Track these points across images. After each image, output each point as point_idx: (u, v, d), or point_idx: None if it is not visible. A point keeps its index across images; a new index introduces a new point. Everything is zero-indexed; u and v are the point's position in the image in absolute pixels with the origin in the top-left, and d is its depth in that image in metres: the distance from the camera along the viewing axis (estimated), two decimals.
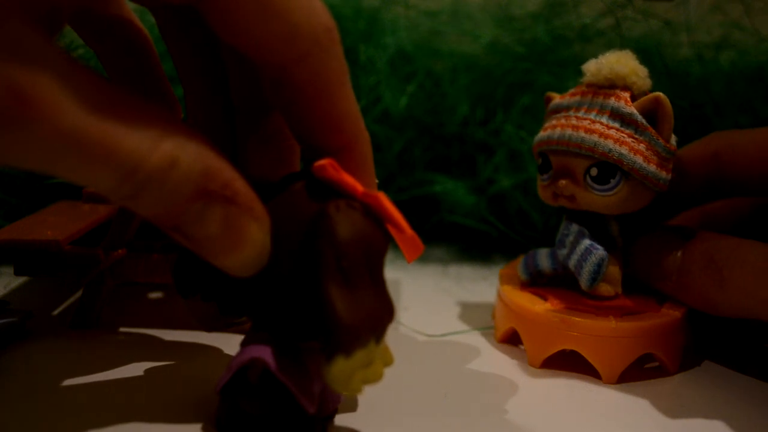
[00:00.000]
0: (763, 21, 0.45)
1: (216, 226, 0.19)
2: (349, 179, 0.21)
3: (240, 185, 0.20)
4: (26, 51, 0.16)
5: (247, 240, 0.20)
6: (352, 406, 0.26)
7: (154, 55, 0.27)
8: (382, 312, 0.21)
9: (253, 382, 0.22)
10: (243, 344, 0.23)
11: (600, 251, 0.29)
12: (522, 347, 0.31)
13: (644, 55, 0.43)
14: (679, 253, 0.29)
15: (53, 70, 0.16)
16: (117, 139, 0.17)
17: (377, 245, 0.21)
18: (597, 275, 0.29)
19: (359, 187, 0.21)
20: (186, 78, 0.26)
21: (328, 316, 0.20)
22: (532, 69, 0.46)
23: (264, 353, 0.22)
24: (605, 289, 0.30)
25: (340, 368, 0.19)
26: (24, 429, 0.24)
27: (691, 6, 0.47)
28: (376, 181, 0.24)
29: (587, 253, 0.29)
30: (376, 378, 0.21)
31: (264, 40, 0.20)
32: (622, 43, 0.44)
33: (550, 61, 0.45)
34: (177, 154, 0.18)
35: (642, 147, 0.28)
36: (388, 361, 0.22)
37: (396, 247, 0.22)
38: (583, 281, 0.29)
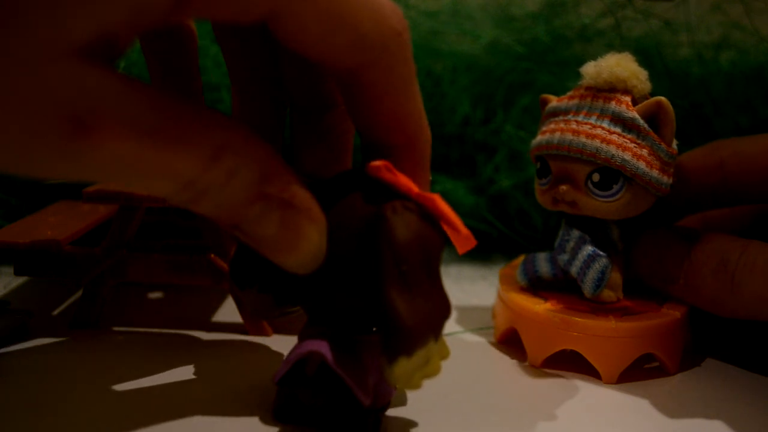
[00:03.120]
0: (763, 21, 0.45)
1: (274, 227, 0.20)
2: (404, 180, 0.22)
3: (297, 188, 0.20)
4: (81, 82, 0.16)
5: (304, 241, 0.20)
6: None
7: (195, 57, 0.28)
8: (440, 311, 0.21)
9: (310, 375, 0.23)
10: (300, 337, 0.24)
11: (603, 258, 0.29)
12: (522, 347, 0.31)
13: (644, 56, 0.43)
14: (686, 255, 0.29)
15: (109, 96, 0.17)
16: (175, 156, 0.17)
17: (433, 245, 0.21)
18: (601, 282, 0.29)
19: (414, 188, 0.21)
20: (237, 77, 0.26)
21: (391, 320, 0.20)
22: (532, 69, 0.46)
23: (321, 347, 0.22)
24: (608, 295, 0.29)
25: (402, 368, 0.20)
26: (24, 429, 0.24)
27: (691, 6, 0.47)
28: (430, 177, 0.24)
29: (590, 260, 0.29)
30: (435, 372, 0.21)
31: (334, 51, 0.20)
32: (622, 44, 0.44)
33: (550, 61, 0.45)
34: (235, 163, 0.18)
35: (645, 152, 0.28)
36: (444, 355, 0.22)
37: None
38: (587, 288, 0.29)
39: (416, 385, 0.21)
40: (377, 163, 0.22)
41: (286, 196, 0.20)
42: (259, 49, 0.26)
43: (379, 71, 0.21)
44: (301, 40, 0.20)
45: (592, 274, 0.29)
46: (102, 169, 0.17)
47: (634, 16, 0.45)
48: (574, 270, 0.30)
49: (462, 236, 0.22)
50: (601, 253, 0.29)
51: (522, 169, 0.44)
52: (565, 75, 0.44)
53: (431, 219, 0.22)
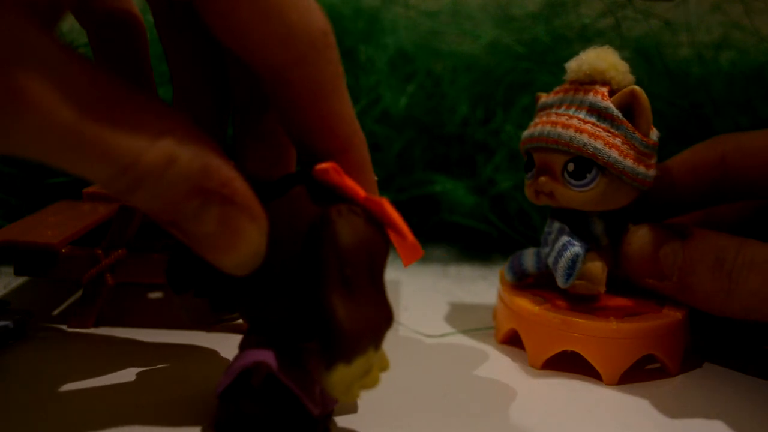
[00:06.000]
0: (763, 21, 0.46)
1: (212, 224, 0.19)
2: (351, 183, 0.21)
3: (238, 184, 0.20)
4: (20, 44, 0.16)
5: (243, 239, 0.20)
6: (351, 407, 0.26)
7: (145, 48, 0.27)
8: (382, 319, 0.21)
9: (256, 386, 0.22)
10: (242, 347, 0.23)
11: (575, 247, 0.29)
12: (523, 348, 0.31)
13: (644, 56, 0.43)
14: (679, 252, 0.29)
15: (48, 64, 0.16)
16: (113, 136, 0.17)
17: (379, 251, 0.21)
18: (572, 271, 0.29)
19: (361, 192, 0.21)
20: (177, 74, 0.26)
21: (330, 324, 0.20)
22: (532, 69, 0.46)
23: (267, 357, 0.22)
24: (585, 287, 0.29)
25: (340, 376, 0.19)
26: (24, 429, 0.24)
27: (691, 6, 0.47)
28: (375, 178, 0.24)
29: (563, 249, 0.29)
30: (374, 384, 0.21)
31: (260, 43, 0.20)
32: (622, 44, 0.44)
33: (550, 61, 0.45)
34: (175, 151, 0.18)
35: (618, 141, 0.28)
36: (384, 367, 0.22)
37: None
38: (558, 278, 0.29)
39: (354, 396, 0.20)
40: (325, 165, 0.21)
41: (227, 192, 0.19)
42: (202, 48, 0.25)
43: (306, 69, 0.20)
44: (227, 27, 0.20)
45: (563, 262, 0.29)
46: (34, 139, 0.16)
47: (634, 16, 0.45)
48: (550, 260, 0.30)
49: (408, 243, 0.21)
50: (576, 243, 0.29)
51: (522, 169, 0.44)
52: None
53: (378, 224, 0.21)
